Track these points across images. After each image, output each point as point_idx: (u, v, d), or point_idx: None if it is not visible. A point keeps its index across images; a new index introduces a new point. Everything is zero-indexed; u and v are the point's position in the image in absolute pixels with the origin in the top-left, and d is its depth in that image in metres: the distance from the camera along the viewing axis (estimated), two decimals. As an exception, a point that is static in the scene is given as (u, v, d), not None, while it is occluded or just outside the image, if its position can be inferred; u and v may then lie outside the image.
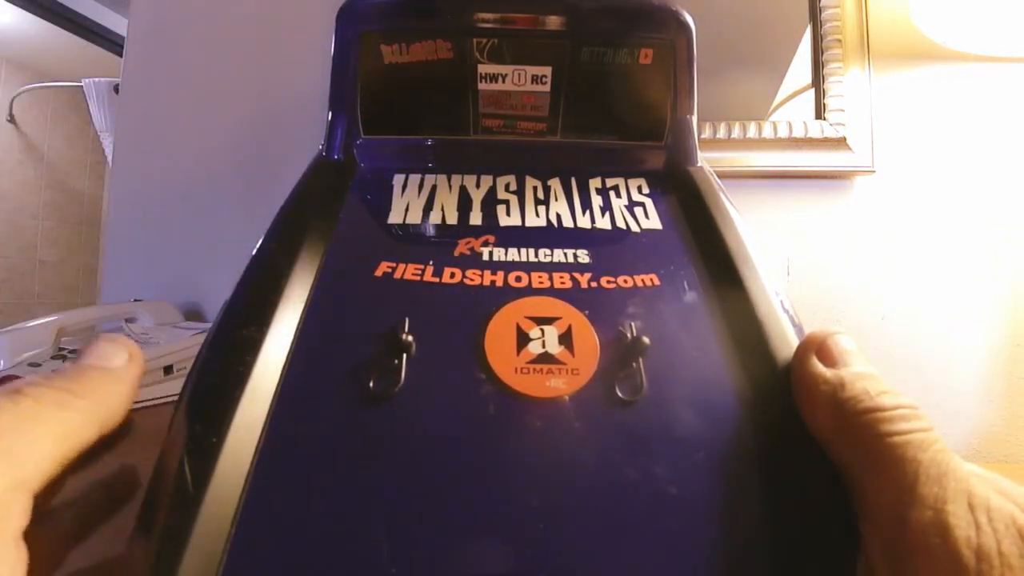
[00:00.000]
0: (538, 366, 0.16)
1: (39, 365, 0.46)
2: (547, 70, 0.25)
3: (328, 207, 0.22)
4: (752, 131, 0.57)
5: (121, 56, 0.73)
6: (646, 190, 0.24)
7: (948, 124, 0.58)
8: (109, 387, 0.15)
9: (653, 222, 0.22)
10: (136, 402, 0.16)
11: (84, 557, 0.15)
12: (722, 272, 0.19)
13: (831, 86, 0.57)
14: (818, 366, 0.15)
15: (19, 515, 0.12)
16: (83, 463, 0.14)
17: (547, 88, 0.25)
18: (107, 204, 0.91)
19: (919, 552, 0.12)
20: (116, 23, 1.42)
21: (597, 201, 0.23)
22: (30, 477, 0.12)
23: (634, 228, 0.22)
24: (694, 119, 0.26)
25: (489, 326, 0.17)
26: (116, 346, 0.16)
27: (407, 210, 0.22)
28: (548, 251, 0.21)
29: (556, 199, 0.23)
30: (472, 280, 0.19)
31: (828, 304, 0.58)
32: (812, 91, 0.59)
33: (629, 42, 0.25)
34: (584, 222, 0.22)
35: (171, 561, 0.12)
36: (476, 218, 0.22)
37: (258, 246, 0.20)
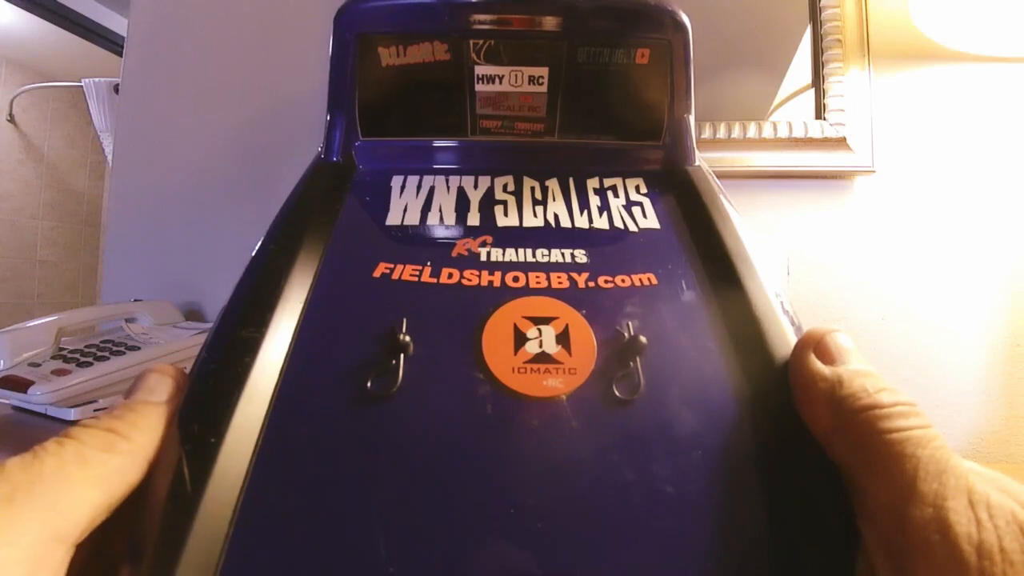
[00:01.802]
0: (535, 366, 0.16)
1: (39, 365, 0.46)
2: (544, 71, 0.25)
3: (327, 209, 0.22)
4: (752, 131, 0.57)
5: (121, 56, 0.73)
6: (644, 190, 0.24)
7: (948, 124, 0.58)
8: (157, 422, 0.14)
9: (651, 222, 0.22)
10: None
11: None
12: (720, 271, 0.19)
13: (831, 86, 0.57)
14: (816, 363, 0.15)
15: (51, 570, 0.11)
16: (135, 504, 0.13)
17: (544, 89, 0.25)
18: (107, 204, 0.91)
19: (919, 549, 0.11)
20: (116, 23, 1.42)
21: (595, 201, 0.23)
22: (69, 529, 0.11)
23: (632, 228, 0.22)
24: (692, 118, 0.26)
25: (486, 326, 0.17)
26: (161, 376, 0.16)
27: (405, 211, 0.23)
28: (546, 251, 0.21)
29: (554, 199, 0.23)
30: (470, 280, 0.19)
31: (828, 304, 0.58)
32: (812, 91, 0.59)
33: (625, 42, 0.25)
34: (582, 222, 0.22)
35: (169, 561, 0.12)
36: (474, 219, 0.22)
37: (257, 247, 0.20)
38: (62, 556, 0.11)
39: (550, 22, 0.24)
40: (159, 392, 0.15)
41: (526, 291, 0.19)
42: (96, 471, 0.12)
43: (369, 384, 0.16)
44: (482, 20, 0.24)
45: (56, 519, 0.11)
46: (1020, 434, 0.55)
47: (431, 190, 0.24)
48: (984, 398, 0.55)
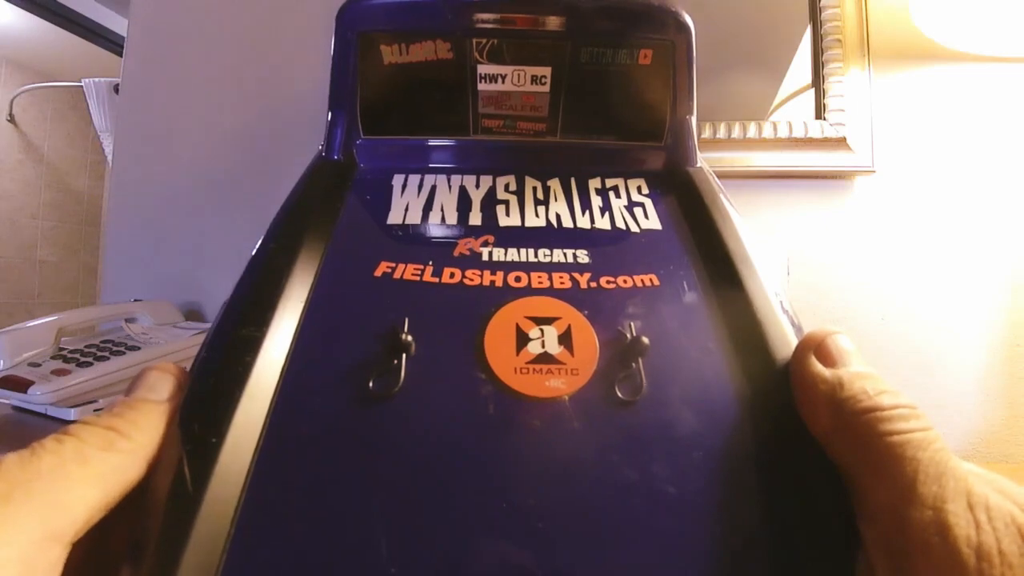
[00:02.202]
0: (538, 366, 0.16)
1: (39, 365, 0.46)
2: (547, 70, 0.25)
3: (328, 207, 0.22)
4: (752, 131, 0.57)
5: (121, 56, 0.73)
6: (646, 190, 0.24)
7: (948, 124, 0.58)
8: (158, 421, 0.14)
9: (652, 222, 0.22)
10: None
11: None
12: (721, 272, 0.19)
13: (831, 86, 0.57)
14: (817, 366, 0.15)
15: (49, 571, 0.11)
16: (134, 502, 0.13)
17: (547, 88, 0.25)
18: (107, 204, 0.91)
19: (919, 551, 0.12)
20: (116, 23, 1.42)
21: (596, 201, 0.23)
22: (66, 528, 0.11)
23: (633, 228, 0.22)
24: (694, 120, 0.26)
25: (489, 326, 0.17)
26: (163, 374, 0.15)
27: (407, 210, 0.22)
28: (547, 251, 0.21)
29: (555, 199, 0.23)
30: (472, 280, 0.19)
31: (828, 304, 0.58)
32: (812, 91, 0.59)
33: (628, 43, 0.25)
34: (584, 222, 0.22)
35: (171, 561, 0.12)
36: (476, 218, 0.22)
37: (258, 246, 0.20)
38: (58, 554, 0.11)
39: (553, 22, 0.24)
40: (160, 390, 0.15)
41: (528, 291, 0.19)
42: (95, 469, 0.12)
43: (371, 384, 0.16)
44: (485, 19, 0.24)
45: (53, 517, 0.11)
46: (1020, 434, 0.55)
47: (432, 189, 0.24)
48: (984, 398, 0.55)
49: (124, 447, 0.13)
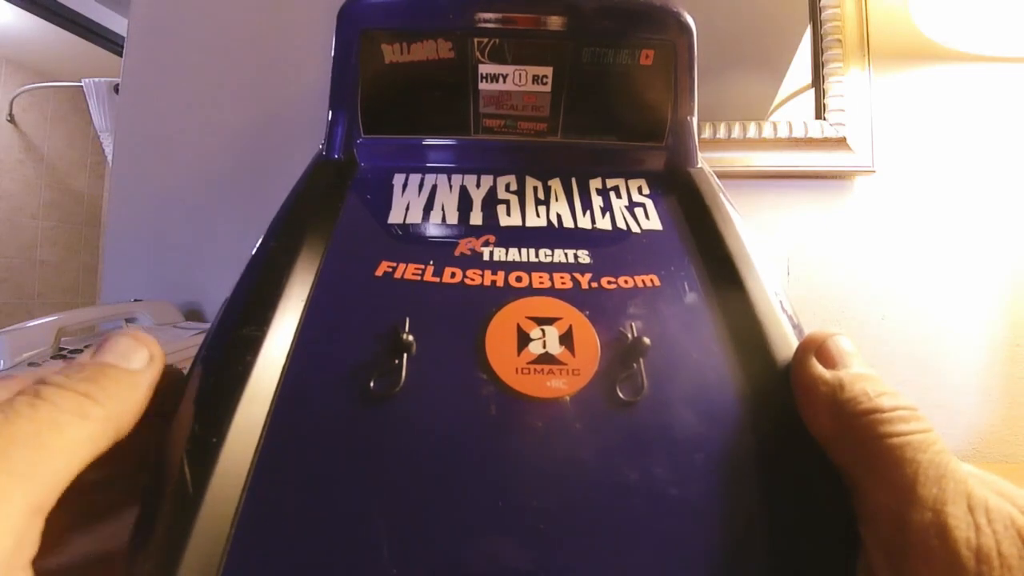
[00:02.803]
0: (539, 366, 0.16)
1: (39, 365, 0.46)
2: (548, 70, 0.25)
3: (328, 206, 0.22)
4: (752, 131, 0.57)
5: (121, 56, 0.73)
6: (646, 191, 0.24)
7: (948, 124, 0.58)
8: (127, 393, 0.14)
9: (653, 223, 0.22)
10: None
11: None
12: (722, 273, 0.19)
13: (831, 86, 0.57)
14: (818, 367, 0.15)
15: (33, 542, 0.11)
16: (91, 473, 0.13)
17: (548, 88, 0.25)
18: (107, 204, 0.91)
19: (919, 553, 0.12)
20: (116, 23, 1.42)
21: (597, 201, 0.23)
22: (45, 498, 0.11)
23: (634, 229, 0.22)
24: (694, 120, 0.26)
25: (490, 326, 0.17)
26: (137, 344, 0.15)
27: (407, 210, 0.22)
28: (548, 251, 0.21)
29: (556, 199, 0.23)
30: (473, 280, 0.19)
31: (828, 304, 0.58)
32: (812, 91, 0.59)
33: (630, 43, 0.25)
34: (584, 222, 0.22)
35: (171, 561, 0.12)
36: (476, 218, 0.22)
37: (258, 245, 0.20)
38: (39, 526, 0.11)
39: (555, 21, 0.24)
40: (132, 359, 0.14)
41: (529, 291, 0.19)
42: (70, 438, 0.12)
43: (372, 384, 0.16)
44: (487, 19, 0.24)
45: (36, 489, 0.11)
46: (1020, 434, 0.55)
47: (433, 189, 0.24)
48: (984, 398, 0.55)
49: (98, 415, 0.13)
